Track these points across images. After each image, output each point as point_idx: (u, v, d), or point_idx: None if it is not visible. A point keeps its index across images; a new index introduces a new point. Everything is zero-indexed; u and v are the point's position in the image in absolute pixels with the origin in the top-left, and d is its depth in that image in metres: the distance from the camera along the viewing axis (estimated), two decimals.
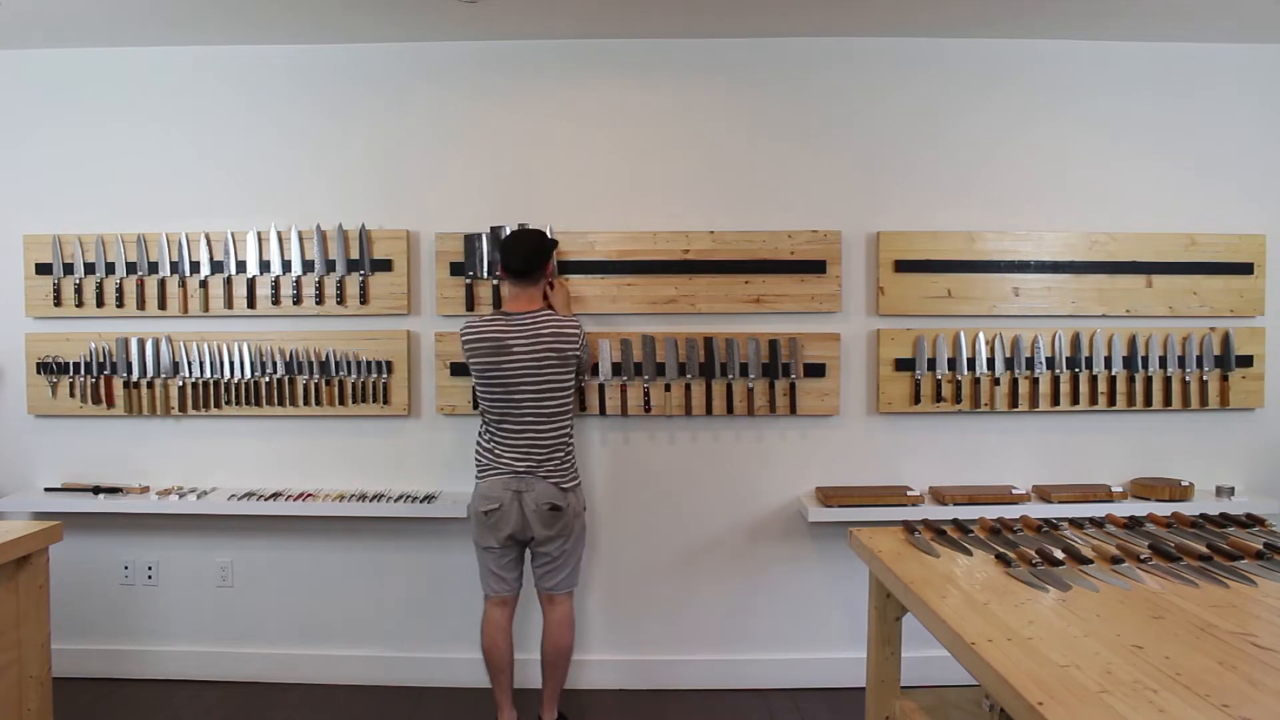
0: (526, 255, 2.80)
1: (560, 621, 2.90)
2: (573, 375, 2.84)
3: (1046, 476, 3.34)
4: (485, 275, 3.29)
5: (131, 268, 3.33)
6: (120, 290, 3.32)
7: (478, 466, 2.86)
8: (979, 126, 3.34)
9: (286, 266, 3.31)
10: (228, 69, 3.35)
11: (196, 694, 3.31)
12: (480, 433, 2.90)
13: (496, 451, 2.81)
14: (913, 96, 3.34)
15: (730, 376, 3.28)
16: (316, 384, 3.32)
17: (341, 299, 3.31)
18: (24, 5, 2.94)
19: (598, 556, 3.38)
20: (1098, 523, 2.32)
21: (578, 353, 2.83)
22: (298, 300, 3.32)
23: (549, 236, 2.94)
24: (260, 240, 3.32)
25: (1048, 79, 3.34)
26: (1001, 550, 2.05)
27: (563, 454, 2.82)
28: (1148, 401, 3.32)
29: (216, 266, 3.32)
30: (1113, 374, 3.32)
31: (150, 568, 3.42)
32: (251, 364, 3.32)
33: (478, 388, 2.85)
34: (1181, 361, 3.32)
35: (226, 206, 3.35)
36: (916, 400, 3.30)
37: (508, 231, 3.28)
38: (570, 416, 2.87)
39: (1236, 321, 3.35)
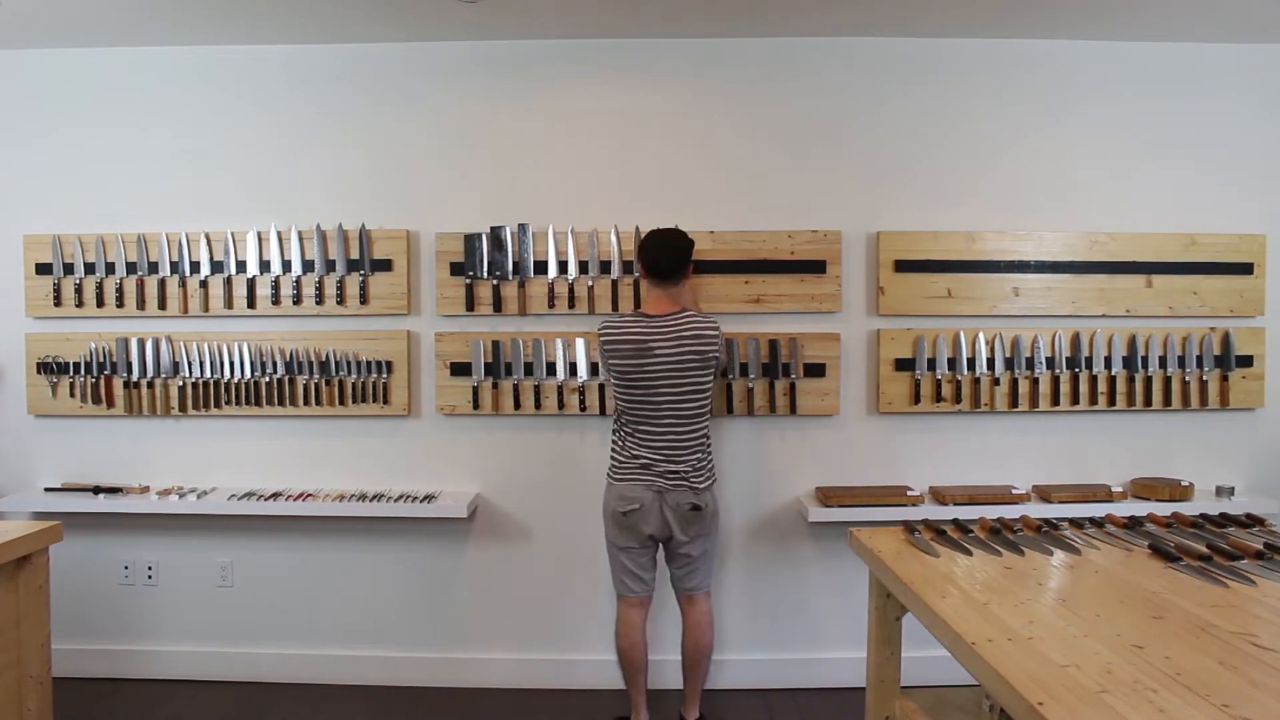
0: (671, 255, 2.79)
1: (702, 621, 2.88)
2: (712, 376, 2.82)
3: (1046, 476, 3.34)
4: (485, 275, 3.29)
5: (131, 268, 3.33)
6: (120, 290, 3.32)
7: (614, 467, 2.84)
8: (979, 126, 3.34)
9: (286, 266, 3.31)
10: (228, 69, 3.35)
11: (196, 694, 3.31)
12: (616, 432, 2.88)
13: (635, 452, 2.79)
14: (912, 97, 3.34)
15: (730, 376, 3.28)
16: (316, 384, 3.32)
17: (341, 299, 3.31)
18: (24, 5, 2.94)
19: (598, 556, 3.38)
20: (1098, 523, 2.32)
21: (717, 354, 2.82)
22: (298, 300, 3.32)
23: (688, 236, 2.88)
24: (260, 240, 3.32)
25: (1048, 79, 3.34)
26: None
27: (701, 454, 2.82)
28: (1148, 401, 3.32)
29: (216, 267, 3.33)
30: (1113, 374, 3.32)
31: (150, 568, 3.42)
32: (251, 364, 3.32)
33: (616, 388, 2.83)
34: (1181, 361, 3.32)
35: (226, 206, 3.35)
36: (916, 400, 3.30)
37: (508, 231, 3.29)
38: (709, 417, 2.85)
39: (1236, 321, 3.35)
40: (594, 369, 3.29)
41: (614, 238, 3.28)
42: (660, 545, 2.88)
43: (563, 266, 3.29)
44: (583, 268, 3.29)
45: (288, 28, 3.20)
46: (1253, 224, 3.35)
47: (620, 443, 2.86)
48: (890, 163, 3.34)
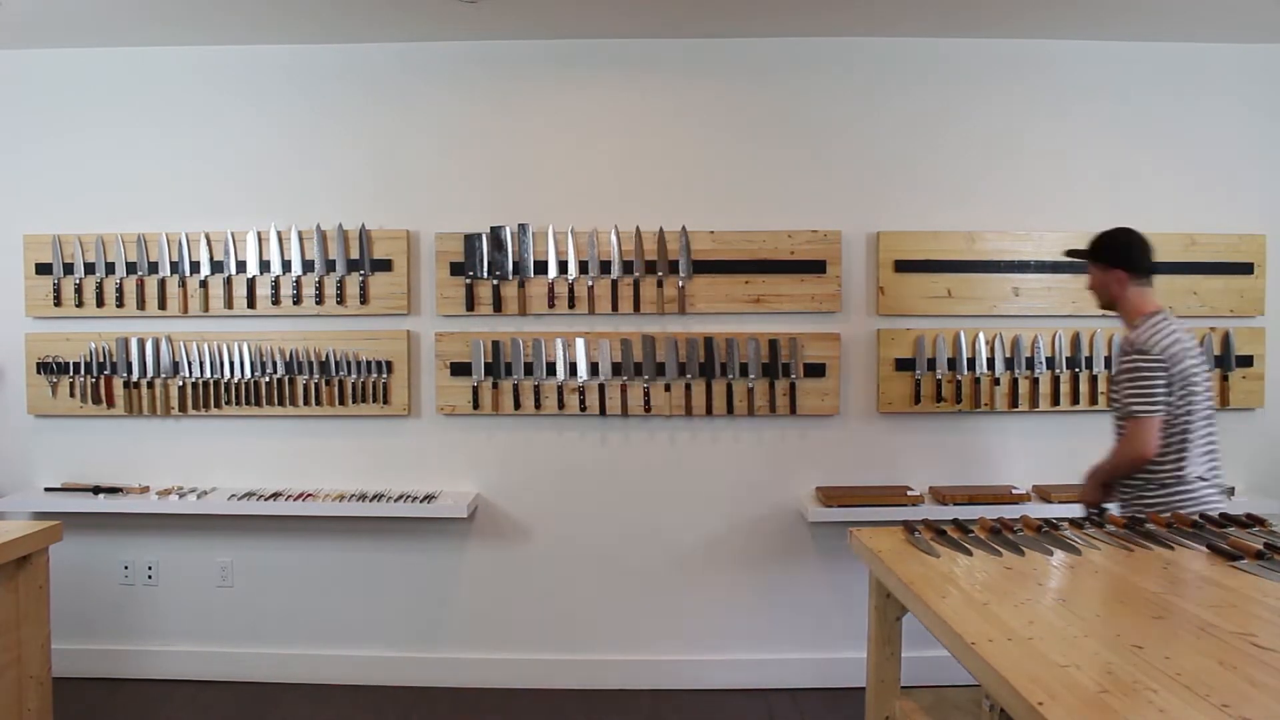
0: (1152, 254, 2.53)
1: None
2: None
3: (1046, 476, 3.34)
4: (485, 275, 3.29)
5: (131, 268, 3.33)
6: (120, 290, 3.32)
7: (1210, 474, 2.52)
8: (979, 126, 3.34)
9: (286, 266, 3.31)
10: (228, 69, 3.35)
11: (196, 694, 3.31)
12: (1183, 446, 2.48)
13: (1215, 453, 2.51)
14: (913, 97, 3.34)
15: (730, 376, 3.28)
16: (316, 384, 3.32)
17: (341, 299, 3.31)
18: (24, 5, 2.94)
19: (598, 556, 3.38)
20: (1098, 523, 2.31)
21: None
22: (298, 300, 3.32)
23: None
24: (260, 240, 3.32)
25: (1048, 79, 3.34)
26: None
27: None
28: None
29: (216, 266, 3.33)
30: (1113, 374, 3.31)
31: (150, 568, 3.42)
32: (251, 364, 3.32)
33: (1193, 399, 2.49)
34: None
35: (226, 206, 3.35)
36: (917, 400, 3.30)
37: (508, 231, 3.29)
38: None
39: (1236, 321, 3.35)
40: (594, 369, 3.29)
41: (614, 238, 3.28)
42: None
43: (563, 266, 3.29)
44: (583, 268, 3.29)
45: (288, 28, 3.20)
46: (1253, 224, 3.35)
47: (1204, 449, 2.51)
48: (890, 163, 3.34)
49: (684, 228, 3.28)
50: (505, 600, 3.40)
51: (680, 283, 3.28)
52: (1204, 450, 2.49)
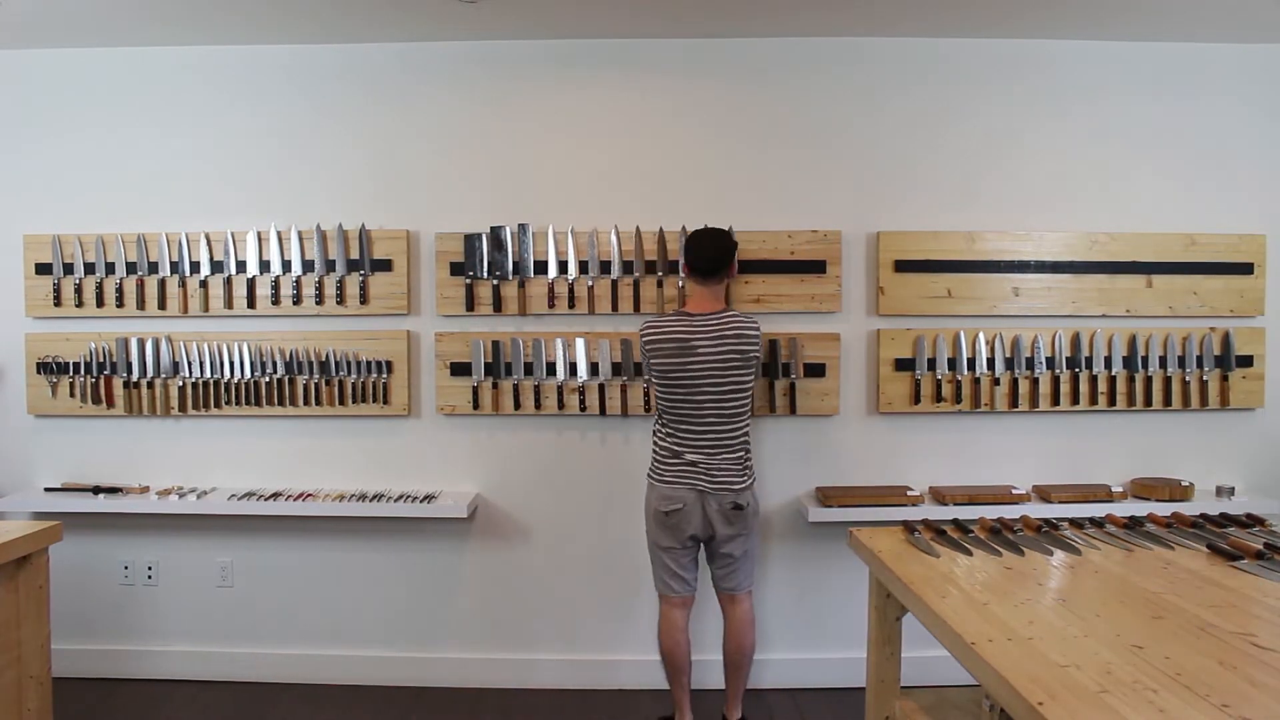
0: (714, 254, 2.78)
1: (744, 620, 2.88)
2: (753, 375, 2.82)
3: (1046, 476, 3.34)
4: (485, 275, 3.29)
5: (131, 268, 3.33)
6: (120, 290, 3.32)
7: (656, 467, 2.85)
8: (979, 126, 3.34)
9: (286, 266, 3.31)
10: (227, 69, 3.35)
11: (196, 694, 3.31)
12: (657, 432, 2.88)
13: (677, 451, 2.79)
14: (913, 97, 3.34)
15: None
16: (316, 384, 3.32)
17: (341, 299, 3.31)
18: (24, 5, 2.94)
19: (599, 556, 3.38)
20: (1098, 523, 2.32)
21: (758, 353, 2.82)
22: (298, 300, 3.32)
23: (732, 235, 2.87)
24: (260, 240, 3.32)
25: (1048, 79, 3.34)
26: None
27: (743, 453, 2.82)
28: (1148, 401, 3.32)
29: (216, 266, 3.33)
30: (1113, 374, 3.32)
31: (150, 568, 3.42)
32: (251, 364, 3.32)
33: (657, 388, 2.83)
34: (1181, 361, 3.32)
35: (226, 206, 3.35)
36: (916, 400, 3.30)
37: (508, 231, 3.29)
38: (750, 416, 2.85)
39: (1236, 321, 3.35)
40: (594, 369, 3.29)
41: (614, 238, 3.28)
42: (701, 545, 2.88)
43: (563, 266, 3.29)
44: (583, 268, 3.29)
45: (288, 28, 3.20)
46: (1253, 224, 3.36)
47: (662, 442, 2.85)
48: (890, 163, 3.34)
49: (684, 228, 3.28)
50: (505, 600, 3.40)
51: (680, 283, 3.28)
52: None
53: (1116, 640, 1.50)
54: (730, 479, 2.77)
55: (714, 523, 2.78)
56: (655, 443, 2.89)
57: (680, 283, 3.26)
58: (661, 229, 3.29)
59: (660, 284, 3.28)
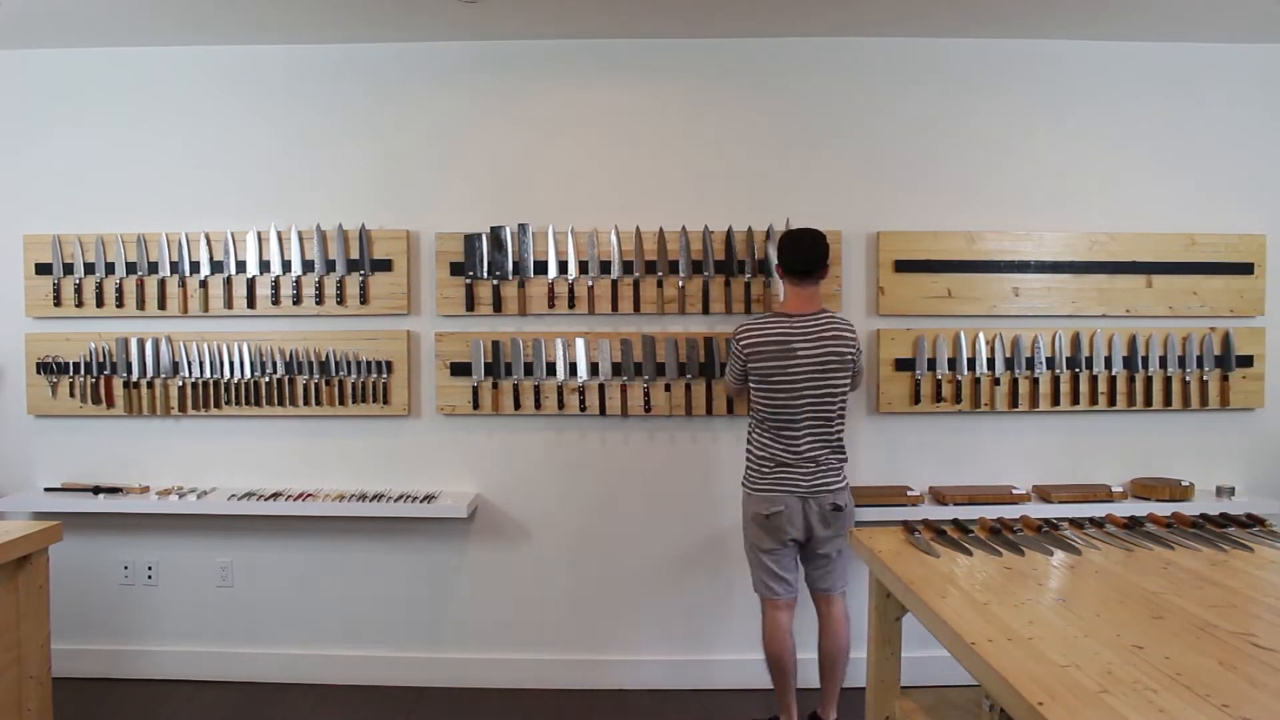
0: (810, 255, 2.76)
1: (839, 619, 2.87)
2: (849, 377, 2.80)
3: (1046, 476, 3.34)
4: (485, 275, 3.29)
5: (131, 268, 3.33)
6: (120, 290, 3.32)
7: (754, 470, 2.82)
8: (979, 127, 3.34)
9: (286, 266, 3.31)
10: (227, 69, 3.35)
11: (196, 694, 3.31)
12: (754, 434, 2.84)
13: (777, 454, 2.77)
14: (913, 97, 3.34)
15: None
16: (316, 384, 3.32)
17: (341, 299, 3.31)
18: (24, 5, 2.94)
19: (599, 556, 3.38)
20: (1098, 523, 2.32)
21: (855, 355, 2.80)
22: (297, 300, 3.32)
23: (825, 236, 2.83)
24: (260, 240, 3.32)
25: (1048, 79, 3.34)
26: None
27: (840, 455, 2.81)
28: (1148, 401, 3.32)
29: (216, 266, 3.33)
30: (1113, 374, 3.32)
31: (150, 568, 3.42)
32: (251, 364, 3.32)
33: (756, 392, 2.79)
34: (1181, 361, 3.32)
35: (226, 206, 3.35)
36: (916, 400, 3.30)
37: (508, 231, 3.29)
38: (845, 417, 2.83)
39: (1236, 321, 3.35)
40: (594, 369, 3.29)
41: (614, 238, 3.28)
42: (800, 547, 2.85)
43: (563, 266, 3.29)
44: (583, 268, 3.29)
45: (288, 28, 3.20)
46: (1253, 224, 3.36)
47: (761, 448, 2.81)
48: (890, 163, 3.34)
49: (684, 228, 3.28)
50: (505, 600, 3.40)
51: (680, 283, 3.28)
52: None
53: (1116, 640, 1.50)
54: (829, 481, 2.76)
55: (813, 524, 2.76)
56: (751, 448, 2.84)
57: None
58: (661, 229, 3.29)
59: (660, 284, 3.28)
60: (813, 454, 2.76)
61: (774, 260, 3.25)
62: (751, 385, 2.81)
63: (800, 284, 2.79)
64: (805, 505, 2.75)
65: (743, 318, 3.30)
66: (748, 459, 2.86)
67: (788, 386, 2.73)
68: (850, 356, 2.77)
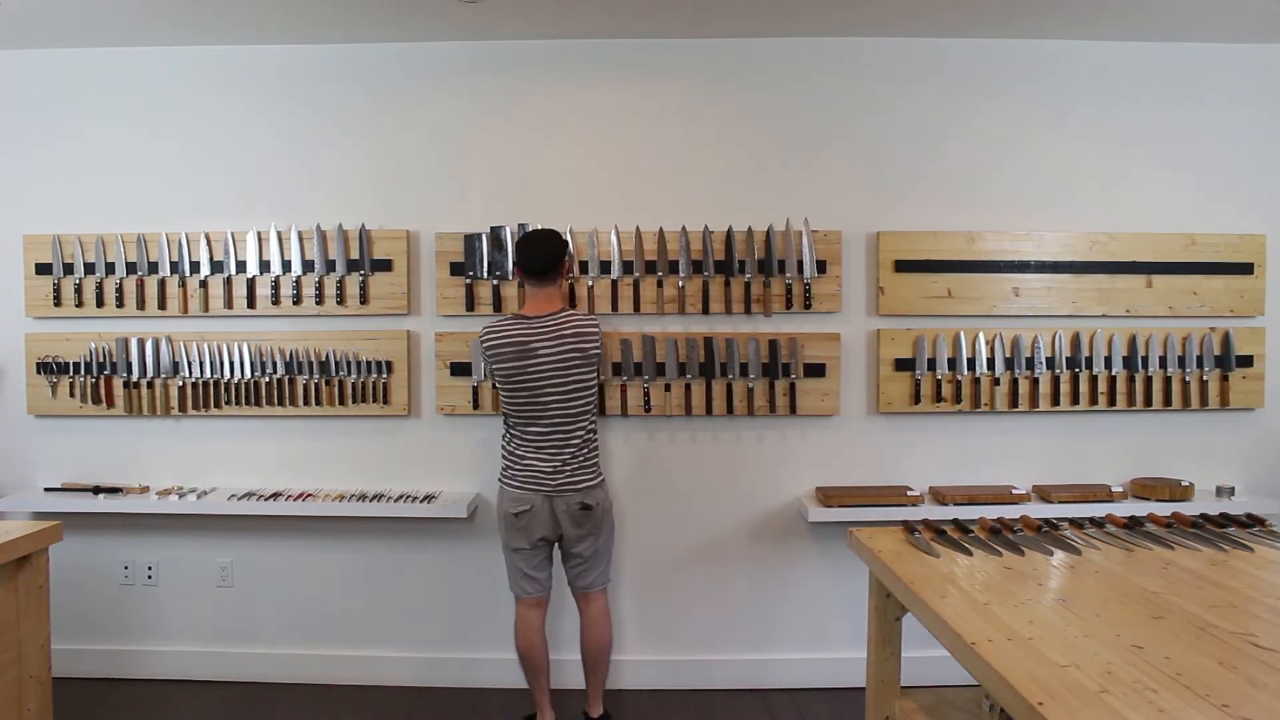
0: (545, 256, 2.80)
1: (598, 617, 2.92)
2: (595, 373, 2.85)
3: (1046, 476, 3.34)
4: (485, 275, 3.29)
5: (131, 268, 3.33)
6: (120, 290, 3.32)
7: (505, 469, 2.86)
8: (979, 126, 3.34)
9: (286, 266, 3.31)
10: (227, 69, 3.35)
11: (196, 694, 3.31)
12: (505, 435, 2.90)
13: (522, 454, 2.81)
14: (913, 97, 3.34)
15: (730, 376, 3.28)
16: (316, 384, 3.32)
17: (341, 299, 3.31)
18: (24, 5, 2.94)
19: None
20: (1098, 523, 2.32)
21: (598, 351, 2.84)
22: (297, 300, 3.32)
23: (563, 236, 2.92)
24: (260, 240, 3.32)
25: (1048, 79, 3.34)
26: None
27: (588, 452, 2.84)
28: (1148, 401, 3.32)
29: (216, 267, 3.33)
30: (1113, 374, 3.32)
31: (150, 568, 3.42)
32: (251, 364, 3.32)
33: (501, 391, 2.85)
34: (1181, 361, 3.32)
35: (226, 206, 3.35)
36: (916, 400, 3.30)
37: (508, 231, 3.29)
38: (594, 414, 2.88)
39: (1236, 321, 3.35)
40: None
41: (614, 238, 3.28)
42: (554, 545, 2.90)
43: (575, 265, 3.28)
44: (583, 268, 3.29)
45: (287, 28, 3.20)
46: (1253, 224, 3.36)
47: (509, 445, 2.87)
48: (890, 163, 3.34)
49: (684, 228, 3.28)
50: (505, 600, 3.38)
51: (680, 283, 3.28)
52: None
53: (1116, 640, 1.50)
54: (577, 479, 2.79)
55: (562, 523, 2.80)
56: (503, 446, 2.90)
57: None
58: (661, 229, 3.29)
59: (660, 284, 3.28)
60: (558, 453, 2.78)
61: (776, 259, 3.26)
62: (498, 385, 2.86)
63: (539, 284, 2.83)
64: (553, 504, 2.78)
65: (743, 317, 3.31)
66: (501, 457, 2.91)
67: (530, 386, 2.76)
68: (594, 352, 2.80)
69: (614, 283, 3.28)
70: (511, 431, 2.87)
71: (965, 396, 3.31)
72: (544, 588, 2.91)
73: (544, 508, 2.78)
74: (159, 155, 3.37)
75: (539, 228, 3.00)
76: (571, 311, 2.85)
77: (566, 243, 2.91)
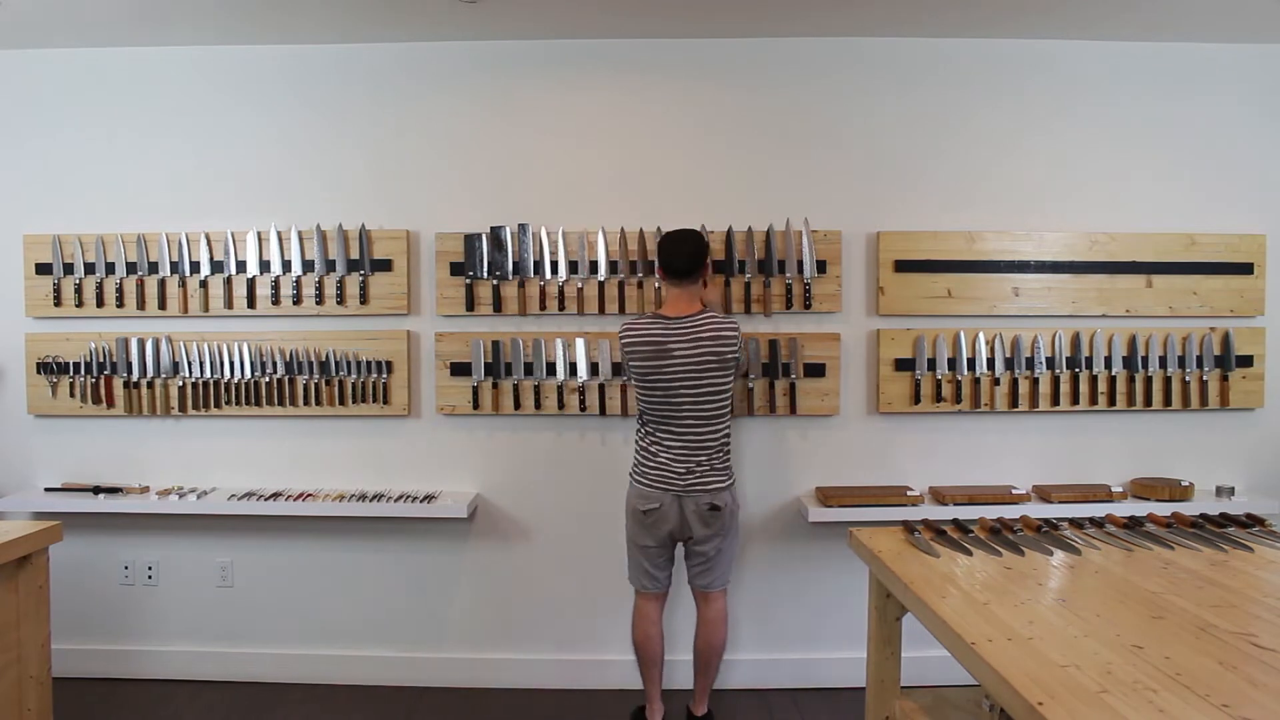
0: (687, 256, 2.79)
1: (716, 618, 2.91)
2: (731, 377, 2.82)
3: (1046, 476, 3.34)
4: (485, 275, 3.29)
5: (131, 268, 3.33)
6: (120, 290, 3.32)
7: (637, 466, 2.86)
8: (979, 126, 3.34)
9: (286, 266, 3.31)
10: (227, 69, 3.35)
11: (196, 694, 3.31)
12: (639, 432, 2.90)
13: (656, 452, 2.81)
14: (912, 97, 3.34)
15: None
16: (316, 384, 3.32)
17: (341, 299, 3.31)
18: (24, 5, 2.94)
19: (598, 556, 3.38)
20: (1098, 523, 2.32)
21: (737, 354, 2.81)
22: (297, 300, 3.32)
23: (705, 237, 2.88)
24: (260, 240, 3.32)
25: (1048, 79, 3.34)
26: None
27: (722, 455, 2.83)
28: (1148, 401, 3.32)
29: (216, 266, 3.33)
30: (1113, 374, 3.32)
31: (150, 568, 3.42)
32: (251, 364, 3.32)
33: (637, 389, 2.85)
34: (1181, 361, 3.32)
35: (226, 206, 3.35)
36: (916, 400, 3.30)
37: (508, 231, 3.29)
38: (729, 417, 2.86)
39: (1236, 321, 3.35)
40: (594, 369, 3.29)
41: (615, 238, 3.28)
42: (679, 543, 2.90)
43: (565, 266, 3.29)
44: (583, 267, 3.29)
45: (288, 28, 3.20)
46: (1253, 224, 3.36)
47: (643, 442, 2.87)
48: (890, 163, 3.34)
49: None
50: (505, 600, 3.40)
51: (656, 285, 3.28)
52: None
53: (1116, 640, 1.50)
54: (707, 480, 2.78)
55: (690, 523, 2.79)
56: (637, 443, 2.90)
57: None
58: (661, 229, 3.28)
59: (660, 285, 3.28)
60: (691, 454, 2.78)
61: (775, 259, 3.26)
62: (634, 383, 2.85)
63: (680, 285, 2.82)
64: (681, 504, 2.78)
65: (743, 317, 3.31)
66: (634, 452, 2.91)
67: (664, 387, 2.75)
68: (731, 356, 2.78)
69: (620, 283, 3.28)
70: (646, 429, 2.86)
71: (965, 396, 3.31)
72: (663, 584, 2.91)
73: (673, 507, 2.78)
74: (159, 155, 3.37)
75: (681, 228, 2.96)
76: (711, 314, 2.81)
77: (708, 244, 2.88)
